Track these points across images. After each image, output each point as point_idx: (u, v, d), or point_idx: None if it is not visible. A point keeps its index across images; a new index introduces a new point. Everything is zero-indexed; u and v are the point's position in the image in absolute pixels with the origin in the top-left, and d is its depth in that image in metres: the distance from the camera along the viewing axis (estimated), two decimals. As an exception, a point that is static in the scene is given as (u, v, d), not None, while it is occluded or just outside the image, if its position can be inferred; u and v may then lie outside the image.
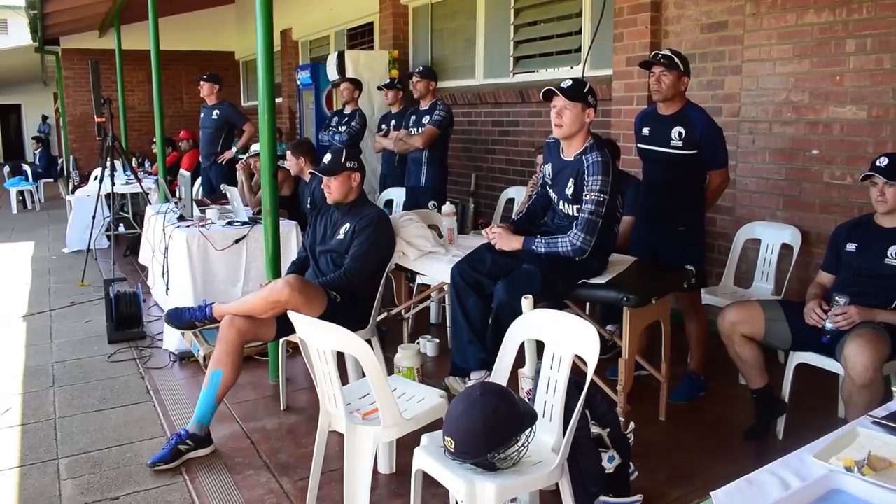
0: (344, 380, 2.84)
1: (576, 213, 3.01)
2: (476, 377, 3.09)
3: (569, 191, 3.03)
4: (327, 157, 3.38)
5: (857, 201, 3.72)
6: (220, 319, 3.09)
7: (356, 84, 6.38)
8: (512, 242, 3.09)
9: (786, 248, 3.87)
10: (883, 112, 3.62)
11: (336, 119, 6.32)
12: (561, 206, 3.12)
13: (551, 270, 2.98)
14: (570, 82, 2.98)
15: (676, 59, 3.29)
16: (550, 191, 3.20)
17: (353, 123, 6.10)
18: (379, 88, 6.34)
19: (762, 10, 4.13)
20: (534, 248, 3.03)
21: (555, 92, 2.96)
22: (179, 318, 3.17)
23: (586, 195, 2.94)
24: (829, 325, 2.76)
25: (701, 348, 3.55)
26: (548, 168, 3.22)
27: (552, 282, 2.97)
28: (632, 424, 2.49)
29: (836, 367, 2.75)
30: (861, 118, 3.71)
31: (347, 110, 6.25)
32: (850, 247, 2.91)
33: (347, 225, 3.33)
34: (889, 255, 2.79)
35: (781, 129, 4.11)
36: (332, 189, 3.32)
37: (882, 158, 2.80)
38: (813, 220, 3.95)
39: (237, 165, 5.65)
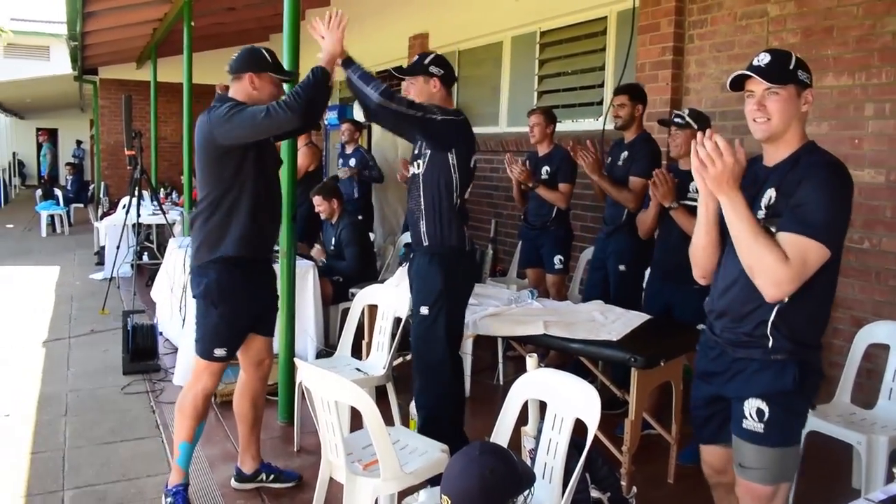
0: (358, 422, 2.81)
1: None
2: None
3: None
4: None
5: (875, 265, 3.69)
6: None
7: (357, 124, 6.66)
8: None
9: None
10: (902, 177, 3.60)
11: (341, 161, 6.64)
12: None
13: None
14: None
15: (689, 119, 3.34)
16: None
17: (353, 163, 6.52)
18: None
19: (783, 72, 4.14)
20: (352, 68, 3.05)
21: None
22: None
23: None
24: None
25: (712, 409, 3.50)
26: None
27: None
28: (634, 489, 2.46)
29: (850, 436, 2.73)
30: (879, 182, 3.69)
31: (349, 150, 6.56)
32: None
33: None
34: (761, 204, 1.97)
35: (800, 189, 4.09)
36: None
37: (762, 55, 1.96)
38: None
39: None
